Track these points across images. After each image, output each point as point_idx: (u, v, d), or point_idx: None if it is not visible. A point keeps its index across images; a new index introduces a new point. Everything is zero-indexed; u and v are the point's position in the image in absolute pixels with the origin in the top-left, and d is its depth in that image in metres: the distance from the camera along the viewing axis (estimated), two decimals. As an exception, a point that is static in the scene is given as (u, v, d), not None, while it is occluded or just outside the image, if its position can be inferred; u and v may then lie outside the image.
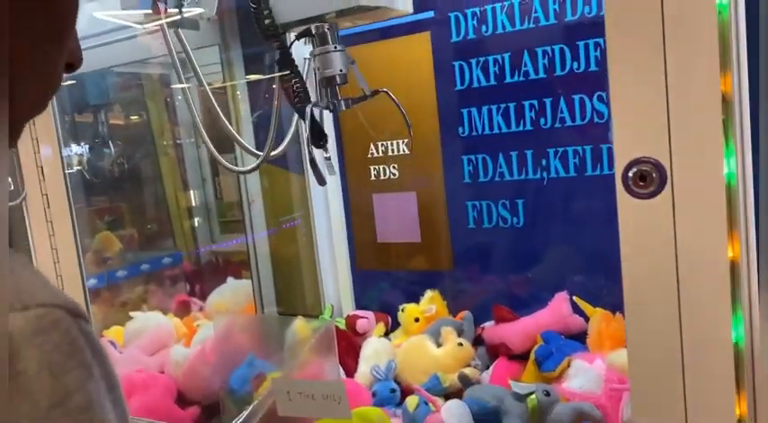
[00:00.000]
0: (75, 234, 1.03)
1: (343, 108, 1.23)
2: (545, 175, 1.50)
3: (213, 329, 1.69)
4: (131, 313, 1.91)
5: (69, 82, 2.20)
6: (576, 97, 1.43)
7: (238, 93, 1.87)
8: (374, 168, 1.73)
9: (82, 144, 2.33)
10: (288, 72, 1.22)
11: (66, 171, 2.21)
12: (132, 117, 2.62)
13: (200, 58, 1.96)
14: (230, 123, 1.82)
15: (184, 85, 1.56)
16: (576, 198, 1.47)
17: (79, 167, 2.31)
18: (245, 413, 1.20)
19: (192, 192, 2.52)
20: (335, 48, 1.17)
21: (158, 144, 2.52)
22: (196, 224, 2.55)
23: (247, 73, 1.86)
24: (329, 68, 1.16)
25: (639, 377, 0.78)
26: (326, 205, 1.84)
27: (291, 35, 1.23)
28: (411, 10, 1.30)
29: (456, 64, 1.56)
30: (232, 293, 2.06)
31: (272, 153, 1.40)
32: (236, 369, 1.50)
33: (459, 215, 1.61)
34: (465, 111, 1.56)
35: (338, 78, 1.15)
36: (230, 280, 2.16)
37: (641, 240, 0.77)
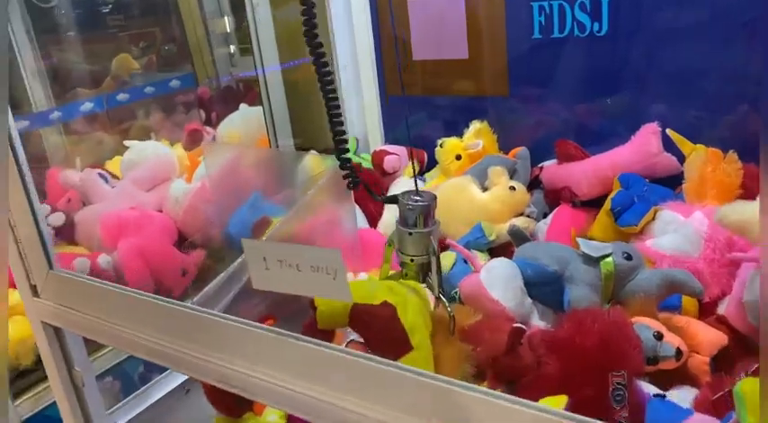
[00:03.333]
0: None
1: None
2: (647, -41, 1.07)
3: (210, 162, 1.42)
4: (126, 142, 1.64)
5: None
6: None
7: None
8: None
9: None
10: None
11: None
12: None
13: None
14: None
15: None
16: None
17: None
18: (235, 264, 0.95)
19: (211, 15, 2.22)
20: None
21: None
22: (214, 48, 2.26)
23: None
24: None
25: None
26: (349, 15, 1.47)
27: None
28: None
29: None
30: (243, 122, 1.77)
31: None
32: (236, 211, 1.24)
33: (520, 21, 1.22)
34: None
35: None
36: (243, 106, 1.86)
37: None
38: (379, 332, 0.71)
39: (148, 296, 0.79)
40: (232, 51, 2.28)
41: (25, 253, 0.89)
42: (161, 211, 1.48)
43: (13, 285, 1.16)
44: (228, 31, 2.27)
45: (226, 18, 2.26)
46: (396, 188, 1.25)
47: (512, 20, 1.24)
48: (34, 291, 0.90)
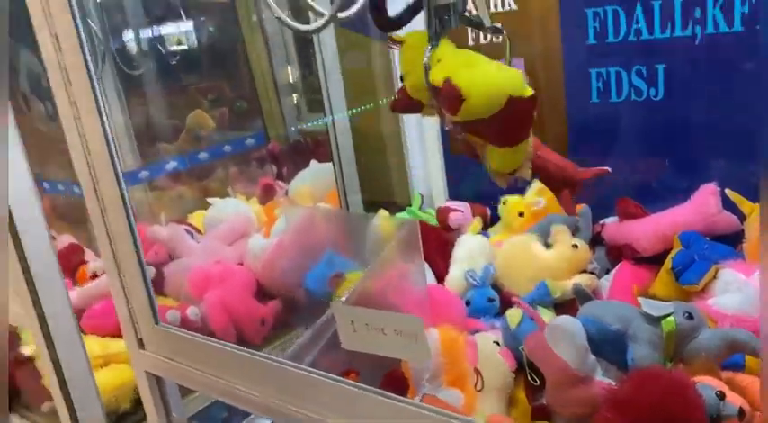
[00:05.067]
0: (102, 116, 0.84)
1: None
2: (698, 30, 1.13)
3: (286, 222, 1.53)
4: (209, 199, 1.78)
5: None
6: None
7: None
8: (472, 30, 1.41)
9: (162, 23, 2.17)
10: None
11: (169, 48, 2.10)
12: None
13: None
14: None
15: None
16: (742, 61, 1.11)
17: (161, 47, 2.17)
18: (323, 318, 1.04)
19: (279, 69, 2.35)
20: None
21: (244, 22, 2.34)
22: (284, 102, 2.40)
23: None
24: None
25: None
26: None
27: None
28: None
29: None
30: (314, 178, 1.89)
31: (342, 15, 1.13)
32: (313, 266, 1.34)
33: (579, 86, 1.29)
34: (592, -51, 1.20)
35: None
36: (313, 163, 1.98)
37: None
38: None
39: (244, 350, 0.88)
40: (298, 103, 2.41)
41: (133, 307, 1.00)
42: (241, 264, 1.60)
43: (113, 334, 1.28)
44: (292, 81, 2.38)
45: (290, 69, 2.38)
46: (460, 244, 1.32)
47: (570, 85, 1.31)
48: (140, 343, 1.01)
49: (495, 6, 1.35)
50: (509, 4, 1.34)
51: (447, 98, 0.72)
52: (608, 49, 1.23)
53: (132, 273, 0.97)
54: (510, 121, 0.74)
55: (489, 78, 0.71)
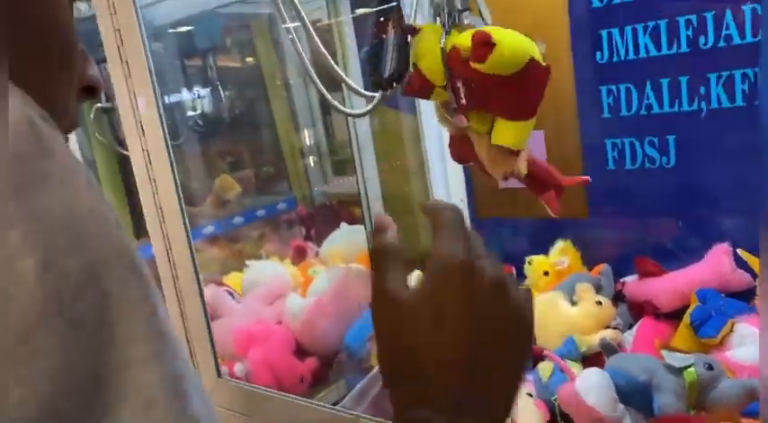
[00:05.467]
0: (178, 190, 0.96)
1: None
2: (704, 105, 1.25)
3: (328, 282, 1.63)
4: (247, 262, 1.89)
5: (180, 29, 2.18)
6: (748, 8, 1.17)
7: (346, 28, 1.74)
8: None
9: (192, 90, 2.31)
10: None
11: (187, 113, 2.24)
12: (242, 59, 2.58)
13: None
14: (337, 62, 1.71)
15: (289, 25, 1.44)
16: (744, 133, 1.22)
17: (192, 113, 2.30)
18: (364, 381, 1.12)
19: (303, 132, 2.48)
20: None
21: (269, 86, 2.48)
22: (309, 165, 2.51)
23: (353, 8, 1.72)
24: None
25: None
26: (442, 146, 1.69)
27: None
28: None
29: (592, -25, 1.32)
30: (344, 241, 1.99)
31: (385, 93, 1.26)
32: (353, 326, 1.43)
33: (596, 155, 1.41)
34: (604, 32, 1.33)
35: (458, 2, 0.95)
36: (343, 226, 2.09)
37: None
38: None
39: (302, 399, 0.97)
40: (323, 166, 2.51)
41: (198, 361, 1.10)
42: (280, 323, 1.69)
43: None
44: (317, 144, 2.48)
45: (314, 132, 2.48)
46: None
47: (588, 153, 1.43)
48: (203, 397, 1.10)
49: (516, 84, 1.49)
50: (529, 82, 1.47)
51: (478, 43, 0.75)
52: (621, 122, 1.36)
53: (199, 328, 1.07)
54: (527, 85, 0.77)
55: (517, 36, 0.75)
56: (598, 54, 1.35)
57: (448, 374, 0.37)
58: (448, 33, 0.87)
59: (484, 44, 0.75)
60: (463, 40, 0.79)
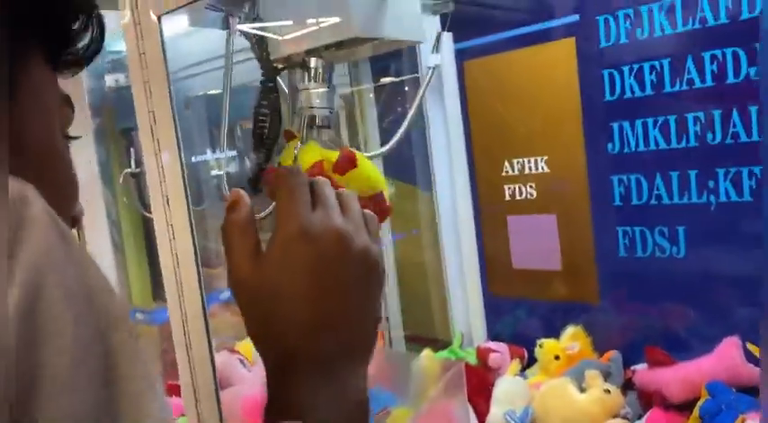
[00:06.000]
0: (194, 240, 1.01)
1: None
2: (713, 199, 1.29)
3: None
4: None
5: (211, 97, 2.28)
6: (753, 109, 1.21)
7: (371, 95, 1.82)
8: (509, 188, 1.59)
9: (219, 150, 2.39)
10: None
11: (213, 172, 2.31)
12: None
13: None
14: (358, 128, 1.80)
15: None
16: (752, 227, 1.25)
17: (219, 172, 2.38)
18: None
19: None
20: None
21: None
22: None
23: (375, 78, 1.81)
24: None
25: None
26: (455, 226, 1.73)
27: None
28: (422, 39, 1.27)
29: (605, 72, 1.39)
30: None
31: (376, 153, 1.43)
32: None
33: (607, 242, 1.44)
34: (615, 124, 1.39)
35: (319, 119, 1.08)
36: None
37: None
38: None
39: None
40: None
41: (205, 433, 1.11)
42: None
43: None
44: None
45: None
46: (500, 384, 1.41)
47: (600, 240, 1.46)
48: (209, 469, 1.11)
49: (530, 169, 1.54)
50: (542, 168, 1.52)
51: (345, 159, 0.91)
52: (632, 211, 1.39)
53: (208, 397, 1.09)
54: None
55: (376, 170, 0.94)
56: (609, 145, 1.40)
57: (306, 332, 0.39)
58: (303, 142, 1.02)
59: (349, 161, 0.92)
60: (331, 155, 0.95)
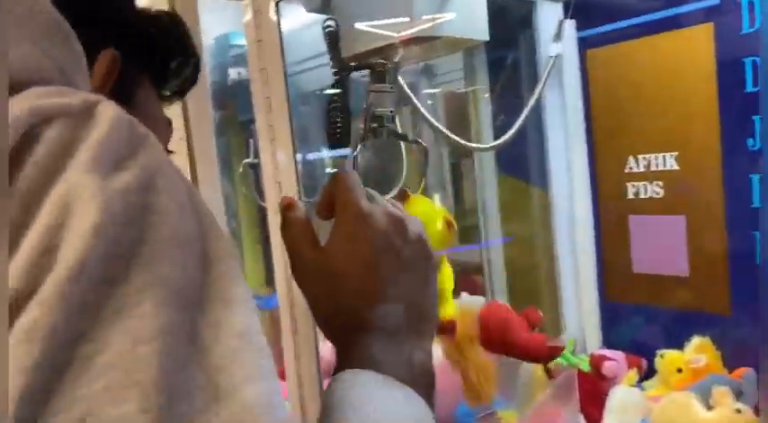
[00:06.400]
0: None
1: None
2: None
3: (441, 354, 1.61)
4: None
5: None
6: None
7: (486, 95, 1.78)
8: (633, 185, 1.49)
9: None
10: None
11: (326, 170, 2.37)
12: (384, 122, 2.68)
13: (446, 65, 1.94)
14: (470, 128, 1.76)
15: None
16: None
17: (329, 170, 2.43)
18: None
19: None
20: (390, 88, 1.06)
21: (406, 149, 2.56)
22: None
23: (491, 78, 1.76)
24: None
25: None
26: (572, 225, 1.64)
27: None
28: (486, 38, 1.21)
29: (747, 60, 1.26)
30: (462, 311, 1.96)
31: (491, 145, 1.43)
32: (462, 402, 1.39)
33: (742, 247, 1.30)
34: (757, 118, 1.25)
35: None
36: (464, 296, 2.06)
37: None
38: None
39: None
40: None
41: (308, 420, 1.12)
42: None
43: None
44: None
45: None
46: (615, 394, 1.32)
47: (734, 245, 1.32)
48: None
49: (657, 166, 1.43)
50: (670, 165, 1.41)
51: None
52: (774, 214, 1.25)
53: (311, 385, 1.10)
54: None
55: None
56: (750, 140, 1.27)
57: (373, 304, 0.41)
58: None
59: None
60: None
